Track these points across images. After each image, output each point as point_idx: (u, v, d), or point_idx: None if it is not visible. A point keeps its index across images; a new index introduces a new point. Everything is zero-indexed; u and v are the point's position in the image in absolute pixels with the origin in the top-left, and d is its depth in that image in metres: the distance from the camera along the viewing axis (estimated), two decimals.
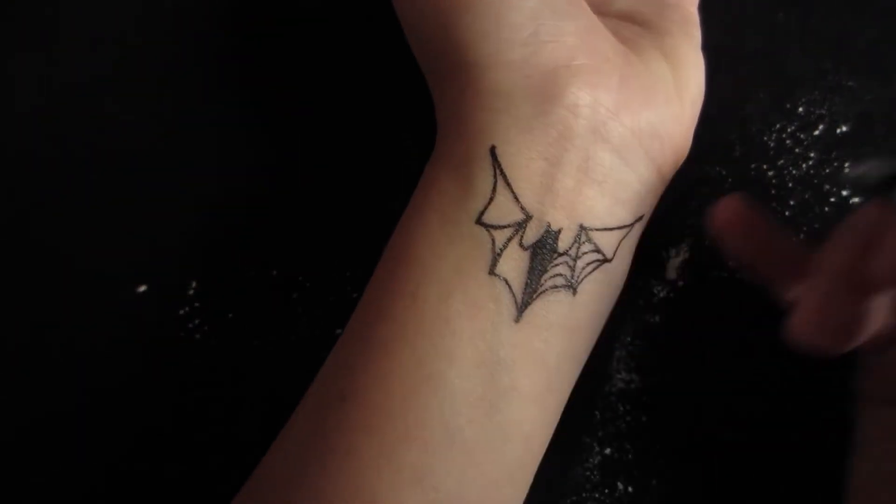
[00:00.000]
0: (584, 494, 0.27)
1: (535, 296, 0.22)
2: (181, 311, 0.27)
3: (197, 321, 0.27)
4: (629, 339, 0.28)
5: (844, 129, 0.29)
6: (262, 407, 0.27)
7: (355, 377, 0.22)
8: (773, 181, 0.29)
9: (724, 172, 0.29)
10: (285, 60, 0.29)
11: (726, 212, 0.25)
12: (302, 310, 0.28)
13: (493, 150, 0.22)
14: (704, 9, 0.27)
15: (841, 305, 0.21)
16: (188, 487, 0.27)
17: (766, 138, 0.29)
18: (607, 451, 0.27)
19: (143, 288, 0.28)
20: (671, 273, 0.28)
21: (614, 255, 0.23)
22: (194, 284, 0.28)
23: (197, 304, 0.28)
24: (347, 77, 0.29)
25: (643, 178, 0.23)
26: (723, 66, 0.29)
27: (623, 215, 0.23)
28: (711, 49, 0.28)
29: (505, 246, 0.22)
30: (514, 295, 0.22)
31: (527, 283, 0.22)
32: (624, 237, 0.23)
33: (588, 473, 0.27)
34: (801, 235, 0.28)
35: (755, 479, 0.27)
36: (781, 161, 0.29)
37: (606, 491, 0.27)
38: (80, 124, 0.29)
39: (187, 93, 0.29)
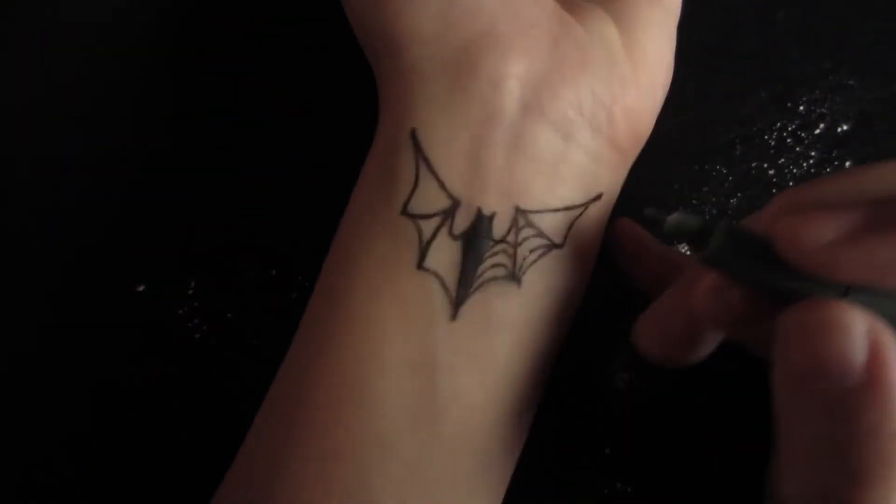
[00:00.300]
0: (583, 495, 0.27)
1: (472, 290, 0.20)
2: (180, 311, 0.27)
3: (196, 321, 0.27)
4: (630, 339, 0.28)
5: (845, 127, 0.29)
6: (260, 407, 0.27)
7: (292, 385, 0.21)
8: (774, 180, 0.29)
9: (724, 171, 0.29)
10: (285, 60, 0.29)
11: (619, 231, 0.23)
12: (301, 310, 0.27)
13: (413, 134, 0.20)
14: (705, 8, 0.27)
15: (675, 325, 0.20)
16: (187, 487, 0.27)
17: (766, 137, 0.29)
18: (607, 451, 0.27)
19: (142, 288, 0.28)
20: None
21: (565, 239, 0.21)
22: (193, 284, 0.28)
23: (196, 304, 0.27)
24: (347, 77, 0.29)
25: (591, 153, 0.21)
26: (723, 66, 0.29)
27: (568, 194, 0.21)
28: (712, 48, 0.28)
29: (433, 236, 0.20)
30: (447, 290, 0.20)
31: (461, 276, 0.20)
32: (575, 218, 0.21)
33: (587, 473, 0.27)
34: None
35: (755, 479, 0.27)
36: (782, 160, 0.29)
37: (606, 491, 0.27)
38: (79, 123, 0.29)
39: (188, 93, 0.29)
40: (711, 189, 0.28)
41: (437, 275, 0.20)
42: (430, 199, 0.20)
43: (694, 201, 0.28)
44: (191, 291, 0.28)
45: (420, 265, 0.20)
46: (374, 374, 0.19)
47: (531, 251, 0.20)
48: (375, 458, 0.19)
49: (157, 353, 0.27)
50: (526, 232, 0.20)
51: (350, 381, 0.19)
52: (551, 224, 0.20)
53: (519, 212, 0.20)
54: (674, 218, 0.19)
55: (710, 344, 0.21)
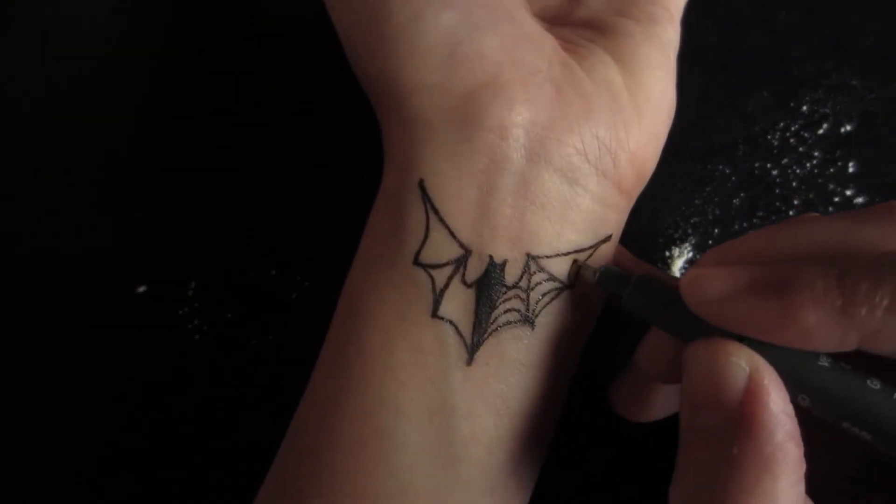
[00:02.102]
0: (584, 496, 0.27)
1: (486, 335, 0.20)
2: (181, 312, 0.27)
3: (196, 321, 0.27)
4: (632, 339, 0.27)
5: (848, 127, 0.29)
6: (260, 407, 0.27)
7: (311, 433, 0.21)
8: (778, 180, 0.29)
9: (727, 171, 0.28)
10: (285, 61, 0.29)
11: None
12: (301, 310, 0.27)
13: (421, 184, 0.20)
14: (707, 8, 0.27)
15: (632, 386, 0.23)
16: (187, 487, 0.26)
17: (769, 137, 0.29)
18: (608, 451, 0.27)
19: (142, 288, 0.27)
20: (674, 272, 0.28)
21: (576, 280, 0.21)
22: (193, 284, 0.27)
23: (196, 305, 0.27)
24: (348, 78, 0.29)
25: (598, 197, 0.21)
26: (726, 65, 0.29)
27: (577, 238, 0.21)
28: (714, 48, 0.27)
29: (446, 286, 0.20)
30: (462, 336, 0.20)
31: (475, 323, 0.20)
32: (585, 261, 0.21)
33: (588, 474, 0.27)
34: None
35: None
36: (785, 160, 0.29)
37: (607, 492, 0.27)
38: (80, 124, 0.29)
39: (188, 93, 0.29)
40: (714, 189, 0.28)
41: (451, 322, 0.20)
42: (441, 249, 0.20)
43: (697, 201, 0.28)
44: (191, 292, 0.27)
45: (434, 314, 0.20)
46: (393, 420, 0.20)
47: (543, 295, 0.21)
48: (398, 501, 0.19)
49: (157, 353, 0.27)
50: (538, 277, 0.21)
51: (371, 427, 0.20)
52: (562, 267, 0.21)
53: (530, 258, 0.20)
54: (602, 269, 0.21)
55: (668, 401, 0.23)
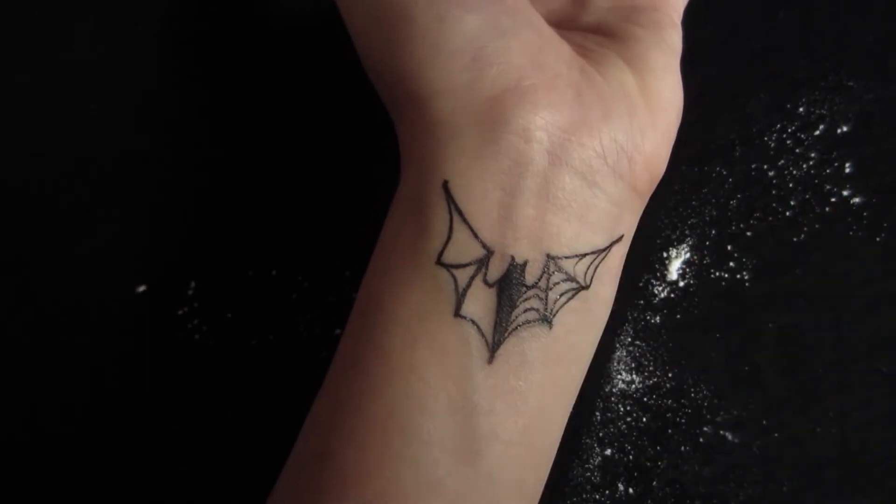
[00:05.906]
0: (584, 496, 0.27)
1: (507, 334, 0.21)
2: (180, 312, 0.27)
3: (196, 321, 0.27)
4: (629, 339, 0.28)
5: (845, 129, 0.29)
6: (260, 407, 0.27)
7: (330, 433, 0.21)
8: (774, 181, 0.29)
9: (724, 172, 0.29)
10: (286, 60, 0.29)
11: None
12: (301, 310, 0.28)
13: (445, 185, 0.20)
14: (705, 9, 0.27)
15: None
16: (187, 487, 0.27)
17: (766, 138, 0.29)
18: (608, 452, 0.27)
19: (142, 288, 0.28)
20: (672, 273, 0.28)
21: (591, 281, 0.22)
22: (193, 284, 0.28)
23: (196, 305, 0.27)
24: (349, 78, 0.29)
25: (614, 199, 0.22)
26: (723, 66, 0.29)
27: (594, 239, 0.21)
28: (712, 49, 0.27)
29: (468, 285, 0.20)
30: (483, 335, 0.20)
31: (496, 322, 0.20)
32: (600, 261, 0.22)
33: (588, 475, 0.27)
34: (802, 236, 0.28)
35: (755, 478, 0.27)
36: (782, 161, 0.29)
37: (607, 492, 0.27)
38: (80, 124, 0.29)
39: (188, 93, 0.29)
40: (711, 190, 0.28)
41: (473, 322, 0.20)
42: (464, 250, 0.20)
43: (694, 202, 0.28)
44: (191, 292, 0.28)
45: (457, 313, 0.20)
46: (418, 417, 0.20)
47: (561, 295, 0.21)
48: (422, 498, 0.20)
49: (156, 353, 0.27)
50: (556, 277, 0.21)
51: (396, 425, 0.20)
52: (579, 268, 0.21)
53: (550, 258, 0.21)
54: None
55: None
